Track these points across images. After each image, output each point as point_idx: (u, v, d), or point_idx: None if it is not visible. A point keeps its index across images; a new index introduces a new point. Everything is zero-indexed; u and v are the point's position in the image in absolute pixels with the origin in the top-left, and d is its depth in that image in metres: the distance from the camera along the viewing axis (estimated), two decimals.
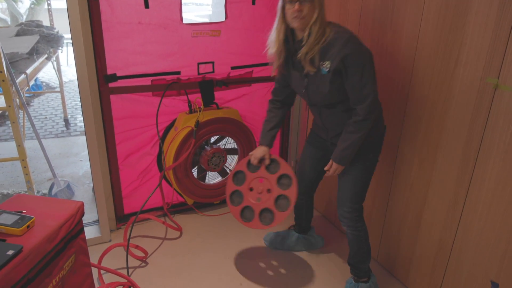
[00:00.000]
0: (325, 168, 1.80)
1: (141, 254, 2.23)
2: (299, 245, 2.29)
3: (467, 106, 1.61)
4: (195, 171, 2.66)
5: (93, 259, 2.14)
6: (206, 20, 2.39)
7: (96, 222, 2.46)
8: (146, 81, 2.31)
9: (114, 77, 2.21)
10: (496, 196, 1.55)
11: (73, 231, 1.47)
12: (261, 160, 1.98)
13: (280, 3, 1.63)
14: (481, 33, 1.51)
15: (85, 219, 2.51)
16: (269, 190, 1.94)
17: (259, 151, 1.97)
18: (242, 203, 1.98)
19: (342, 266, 2.20)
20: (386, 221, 2.14)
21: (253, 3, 2.37)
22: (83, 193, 2.96)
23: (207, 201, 2.68)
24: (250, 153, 2.01)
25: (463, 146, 1.66)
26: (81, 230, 1.54)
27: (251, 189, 1.98)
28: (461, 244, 1.73)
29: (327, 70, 1.60)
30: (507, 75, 1.45)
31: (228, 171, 2.75)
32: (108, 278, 2.04)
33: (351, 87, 1.62)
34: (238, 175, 2.04)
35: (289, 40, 1.68)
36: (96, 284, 1.96)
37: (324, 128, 1.86)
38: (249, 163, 2.01)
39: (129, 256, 2.20)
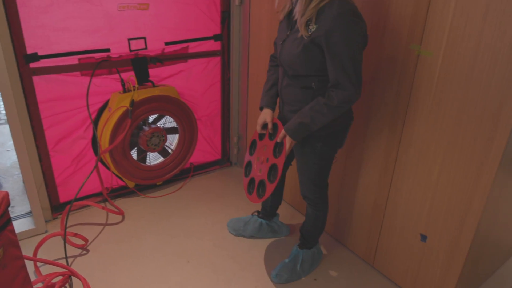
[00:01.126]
0: (278, 140, 1.66)
1: (81, 242, 2.14)
2: (262, 232, 2.22)
3: (394, 72, 1.69)
4: (134, 153, 2.57)
5: (28, 251, 2.03)
6: None
7: (29, 213, 2.30)
8: (73, 60, 2.15)
9: (35, 57, 2.03)
10: (422, 156, 1.66)
11: None
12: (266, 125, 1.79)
13: None
14: (404, 1, 1.58)
15: (18, 211, 2.37)
16: (267, 160, 1.75)
17: (260, 117, 1.79)
18: (250, 175, 1.84)
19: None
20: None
21: None
22: (13, 185, 2.75)
23: (149, 182, 2.61)
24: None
25: (391, 111, 1.74)
26: (8, 222, 1.42)
27: (258, 159, 1.82)
28: (393, 203, 1.85)
29: (308, 33, 1.45)
30: (428, 42, 1.53)
31: (169, 151, 2.69)
32: (47, 270, 1.94)
33: (331, 67, 1.46)
34: (252, 145, 1.90)
35: None
36: (33, 277, 1.86)
37: (281, 100, 1.73)
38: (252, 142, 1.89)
39: (68, 245, 2.10)
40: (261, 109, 1.82)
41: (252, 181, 1.82)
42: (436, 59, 1.52)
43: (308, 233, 1.96)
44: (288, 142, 1.63)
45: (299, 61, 1.52)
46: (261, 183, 1.75)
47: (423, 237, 1.74)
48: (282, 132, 1.64)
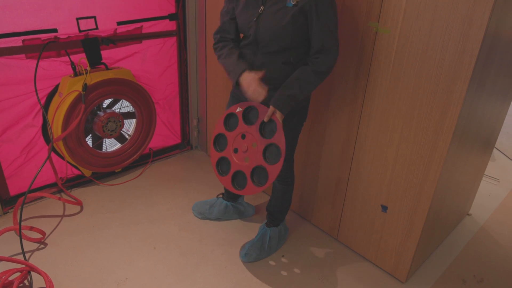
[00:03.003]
0: (265, 119, 1.56)
1: (38, 236, 2.02)
2: (228, 213, 2.22)
3: (354, 49, 1.72)
4: (89, 140, 2.45)
5: None
6: None
7: None
8: (16, 42, 1.99)
9: None
10: (382, 129, 1.73)
11: None
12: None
13: None
14: None
15: None
16: (254, 145, 1.62)
17: (249, 77, 1.54)
18: (231, 170, 1.69)
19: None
20: None
21: None
22: None
23: (107, 170, 2.51)
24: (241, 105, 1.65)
25: (352, 87, 1.79)
26: None
27: (235, 150, 1.68)
28: (356, 177, 1.92)
29: (294, 3, 1.47)
30: (386, 19, 1.57)
31: (127, 136, 2.60)
32: (3, 266, 1.82)
33: (319, 33, 1.49)
34: (219, 140, 1.75)
35: None
36: None
37: None
38: (225, 121, 1.72)
39: (24, 240, 1.98)
40: (236, 83, 1.60)
41: (237, 174, 1.69)
42: (393, 36, 1.57)
43: (275, 209, 1.99)
44: (279, 117, 1.55)
45: (285, 32, 1.51)
46: (256, 171, 1.63)
47: (384, 208, 1.83)
48: (270, 109, 1.55)
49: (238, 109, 1.67)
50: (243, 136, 1.66)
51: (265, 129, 1.61)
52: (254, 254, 1.95)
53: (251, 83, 1.53)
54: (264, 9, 1.54)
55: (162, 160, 2.85)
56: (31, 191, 2.27)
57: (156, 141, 2.82)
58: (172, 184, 2.56)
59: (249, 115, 1.66)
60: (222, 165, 1.75)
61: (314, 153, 2.07)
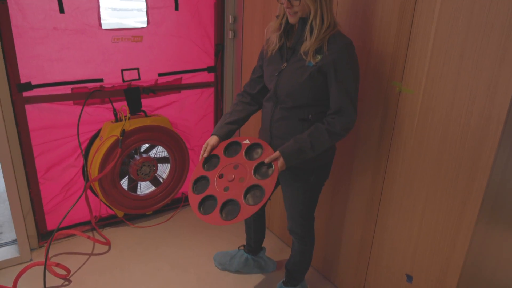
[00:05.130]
0: (266, 161, 1.54)
1: (63, 273, 2.10)
2: (248, 267, 2.16)
3: (377, 108, 1.68)
4: (125, 182, 2.57)
5: (9, 281, 2.00)
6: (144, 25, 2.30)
7: (16, 241, 2.29)
8: (66, 90, 2.19)
9: (28, 86, 2.08)
10: (406, 193, 1.63)
11: None
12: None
13: None
14: (385, 40, 1.59)
15: (5, 238, 2.36)
16: (242, 179, 1.56)
17: (210, 141, 1.69)
18: (206, 192, 1.59)
19: None
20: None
21: (176, 8, 2.34)
22: (4, 211, 2.75)
23: (138, 212, 2.59)
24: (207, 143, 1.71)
25: (376, 147, 1.73)
26: None
27: (221, 176, 1.61)
28: (380, 241, 1.80)
29: (313, 63, 1.49)
30: (409, 79, 1.53)
31: (161, 180, 2.69)
32: None
33: (336, 94, 1.49)
34: (211, 160, 1.68)
35: (284, 26, 1.58)
36: None
37: (269, 134, 1.68)
38: (227, 147, 1.69)
39: (50, 275, 2.07)
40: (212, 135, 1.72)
41: (209, 199, 1.57)
42: (417, 97, 1.51)
43: (294, 268, 1.91)
44: (279, 165, 1.51)
45: (302, 90, 1.53)
46: (230, 204, 1.52)
47: (409, 278, 1.68)
48: (275, 154, 1.53)
49: (246, 141, 1.66)
50: (236, 167, 1.60)
51: (261, 170, 1.56)
52: None
53: (207, 143, 1.68)
54: (287, 66, 1.58)
55: None
56: (63, 228, 2.39)
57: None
58: (199, 231, 2.57)
59: (253, 151, 1.63)
60: (200, 183, 1.64)
61: (338, 212, 1.99)
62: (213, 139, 1.70)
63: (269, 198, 1.86)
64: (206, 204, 1.57)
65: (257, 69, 1.77)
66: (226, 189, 1.56)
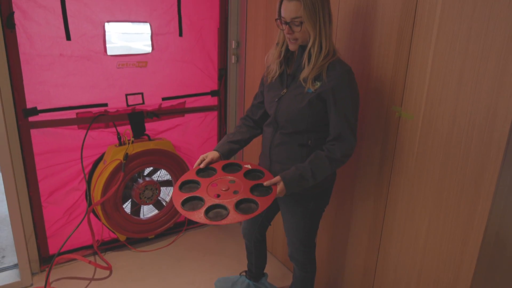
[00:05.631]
0: (265, 183, 1.51)
1: None
2: None
3: (378, 133, 1.67)
4: (128, 205, 2.57)
5: None
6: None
7: (17, 265, 2.28)
8: (71, 114, 2.23)
9: (34, 111, 2.12)
10: (408, 219, 1.60)
11: None
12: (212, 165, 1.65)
13: (276, 21, 1.53)
14: (384, 65, 1.60)
15: (7, 262, 2.36)
16: (236, 192, 1.50)
17: (210, 154, 1.67)
18: (194, 193, 1.51)
19: None
20: (316, 247, 2.14)
21: (180, 34, 2.39)
22: (8, 234, 2.76)
23: (140, 236, 2.58)
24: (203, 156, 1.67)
25: (377, 172, 1.71)
26: None
27: (214, 184, 1.57)
28: (382, 268, 1.76)
29: (312, 90, 1.50)
30: (408, 104, 1.53)
31: (164, 203, 2.68)
32: None
33: (336, 121, 1.49)
34: (208, 169, 1.64)
35: (284, 54, 1.60)
36: None
37: (268, 159, 1.68)
38: (227, 165, 1.66)
39: None
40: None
41: (195, 199, 1.49)
42: (416, 122, 1.50)
43: None
44: (278, 190, 1.48)
45: (302, 116, 1.53)
46: (218, 207, 1.44)
47: None
48: (276, 178, 1.51)
49: (247, 166, 1.64)
50: (232, 181, 1.56)
51: (257, 190, 1.51)
52: None
53: (206, 155, 1.66)
54: (287, 92, 1.59)
55: (196, 229, 2.86)
56: (65, 252, 2.38)
57: None
58: (201, 255, 2.54)
59: (253, 174, 1.60)
60: (189, 186, 1.56)
61: (340, 238, 1.96)
62: (214, 154, 1.68)
63: (269, 224, 1.83)
64: (192, 202, 1.48)
65: (259, 95, 1.79)
66: (217, 196, 1.48)
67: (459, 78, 1.33)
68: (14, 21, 1.93)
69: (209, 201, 1.46)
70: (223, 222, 1.38)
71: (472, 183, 1.35)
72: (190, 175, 1.61)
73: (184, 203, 1.47)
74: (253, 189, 1.51)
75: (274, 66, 1.62)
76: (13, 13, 1.92)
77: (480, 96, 1.29)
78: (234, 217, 1.39)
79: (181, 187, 1.55)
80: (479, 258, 1.37)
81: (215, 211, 1.43)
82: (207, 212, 1.42)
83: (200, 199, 1.48)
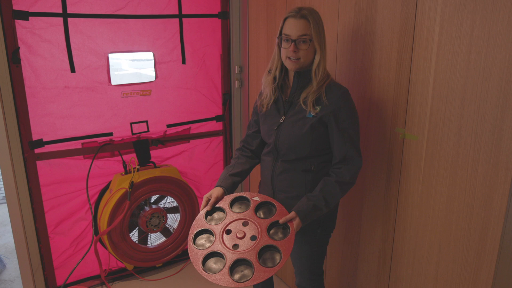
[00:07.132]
0: (280, 221, 1.43)
1: None
2: None
3: (383, 155, 1.64)
4: (136, 233, 2.55)
5: None
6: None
7: None
8: (76, 145, 2.25)
9: (40, 143, 2.14)
10: (418, 244, 1.55)
11: None
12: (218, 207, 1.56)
13: (277, 40, 1.52)
14: (385, 87, 1.58)
15: None
16: (253, 238, 1.41)
17: (214, 192, 1.56)
18: (211, 247, 1.40)
19: None
20: (326, 274, 2.08)
21: (183, 62, 2.41)
22: (16, 265, 2.75)
23: (148, 265, 2.54)
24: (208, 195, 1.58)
25: (384, 195, 1.67)
26: None
27: (228, 232, 1.44)
28: None
29: (313, 114, 1.48)
30: (412, 125, 1.50)
31: (171, 230, 2.65)
32: None
33: (340, 143, 1.47)
34: (216, 213, 1.53)
35: (278, 78, 1.57)
36: None
37: (271, 189, 1.63)
38: (234, 200, 1.55)
39: None
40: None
41: (214, 256, 1.38)
42: (421, 143, 1.47)
43: None
44: (296, 225, 1.42)
45: (304, 141, 1.50)
46: (241, 263, 1.34)
47: None
48: (291, 214, 1.43)
49: (256, 198, 1.54)
50: (245, 224, 1.44)
51: (275, 229, 1.42)
52: None
53: (210, 194, 1.55)
54: (285, 119, 1.56)
55: None
56: (72, 283, 2.36)
57: None
58: (209, 284, 2.48)
59: (264, 209, 1.50)
60: (202, 237, 1.45)
61: (350, 264, 1.90)
62: (218, 191, 1.57)
63: None
64: (212, 261, 1.37)
65: (253, 124, 1.74)
66: (235, 246, 1.38)
67: (462, 98, 1.31)
68: (19, 56, 1.97)
69: (229, 256, 1.36)
70: (252, 282, 1.31)
71: (482, 205, 1.30)
72: (200, 223, 1.50)
73: (204, 262, 1.37)
74: (269, 229, 1.43)
75: (268, 92, 1.60)
76: (18, 48, 1.96)
77: (484, 115, 1.25)
78: (261, 273, 1.31)
79: (195, 241, 1.45)
80: (493, 284, 1.31)
81: (239, 269, 1.34)
82: (231, 271, 1.33)
83: (219, 256, 1.38)
